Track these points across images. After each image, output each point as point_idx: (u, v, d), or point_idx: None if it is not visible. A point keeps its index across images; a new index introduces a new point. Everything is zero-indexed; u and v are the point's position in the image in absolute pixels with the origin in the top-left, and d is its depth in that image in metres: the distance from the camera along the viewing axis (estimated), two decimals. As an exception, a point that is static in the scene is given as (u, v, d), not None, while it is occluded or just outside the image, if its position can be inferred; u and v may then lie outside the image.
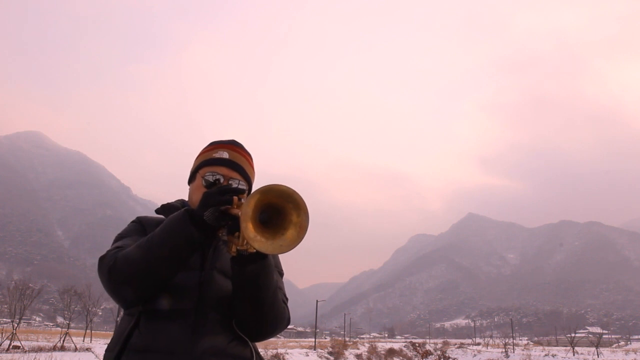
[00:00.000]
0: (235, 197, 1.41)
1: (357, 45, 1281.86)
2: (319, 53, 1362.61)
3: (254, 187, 1.78)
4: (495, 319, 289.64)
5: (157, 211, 1.74)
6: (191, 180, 1.77)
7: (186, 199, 1.79)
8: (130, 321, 1.53)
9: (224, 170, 1.69)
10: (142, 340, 1.48)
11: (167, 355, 1.45)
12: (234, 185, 1.68)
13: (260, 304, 1.52)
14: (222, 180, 1.68)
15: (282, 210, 1.31)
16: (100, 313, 43.25)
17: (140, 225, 1.69)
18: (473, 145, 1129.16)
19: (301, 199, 1.30)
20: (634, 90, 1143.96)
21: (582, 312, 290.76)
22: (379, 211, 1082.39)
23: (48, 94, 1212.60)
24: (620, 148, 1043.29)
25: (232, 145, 1.76)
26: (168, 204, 1.76)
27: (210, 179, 1.68)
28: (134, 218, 1.76)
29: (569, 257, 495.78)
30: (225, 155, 1.72)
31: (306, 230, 1.30)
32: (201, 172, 1.71)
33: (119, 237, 1.64)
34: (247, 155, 1.78)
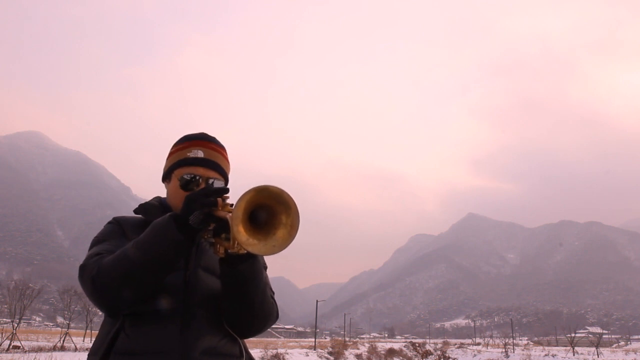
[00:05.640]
0: (220, 199, 1.39)
1: (351, 48, 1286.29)
2: (315, 57, 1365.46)
3: (230, 178, 1.75)
4: (495, 319, 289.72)
5: (136, 211, 1.69)
6: (166, 179, 1.73)
7: (163, 195, 1.76)
8: (115, 324, 1.49)
9: (200, 171, 1.65)
10: (129, 343, 1.45)
11: (156, 357, 1.43)
12: (213, 183, 1.66)
13: (251, 302, 1.52)
14: (199, 179, 1.65)
15: (272, 211, 1.30)
16: (100, 313, 42.94)
17: (118, 226, 1.64)
18: (470, 146, 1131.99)
19: (291, 199, 1.28)
20: (621, 93, 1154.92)
21: (582, 312, 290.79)
22: (379, 211, 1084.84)
23: (48, 95, 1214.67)
24: (611, 149, 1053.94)
25: (206, 142, 1.70)
26: (147, 203, 1.72)
27: (187, 179, 1.64)
28: None
29: (569, 257, 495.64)
30: (200, 154, 1.66)
31: (297, 229, 1.28)
32: (176, 172, 1.67)
33: (97, 241, 1.59)
34: (221, 150, 1.73)
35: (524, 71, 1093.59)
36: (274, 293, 1.66)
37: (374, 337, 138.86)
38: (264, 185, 1.25)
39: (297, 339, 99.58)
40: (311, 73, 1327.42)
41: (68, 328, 31.44)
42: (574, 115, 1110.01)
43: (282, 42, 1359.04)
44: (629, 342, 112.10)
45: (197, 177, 1.64)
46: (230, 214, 1.28)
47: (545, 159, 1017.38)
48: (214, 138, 1.73)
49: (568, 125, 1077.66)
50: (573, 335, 56.42)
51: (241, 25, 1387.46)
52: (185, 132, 1.73)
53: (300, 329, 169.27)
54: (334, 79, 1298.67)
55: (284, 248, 1.28)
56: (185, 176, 1.64)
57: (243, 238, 1.24)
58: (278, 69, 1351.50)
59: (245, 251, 1.32)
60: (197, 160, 1.65)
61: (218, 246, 1.43)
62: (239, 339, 1.59)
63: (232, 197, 1.37)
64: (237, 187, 1.39)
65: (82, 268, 1.47)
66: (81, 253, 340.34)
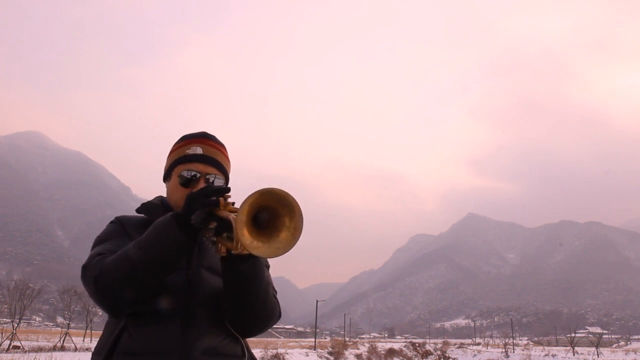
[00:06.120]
0: (222, 199, 1.39)
1: (351, 48, 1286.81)
2: (315, 57, 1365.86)
3: (230, 178, 1.77)
4: (495, 319, 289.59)
5: (138, 210, 1.70)
6: (166, 178, 1.74)
7: (164, 195, 1.76)
8: (118, 323, 1.50)
9: (199, 167, 1.66)
10: (131, 342, 1.45)
11: (156, 357, 1.43)
12: (211, 180, 1.67)
13: (253, 302, 1.51)
14: (198, 176, 1.65)
15: (275, 213, 1.30)
16: (100, 313, 43.19)
17: (120, 225, 1.64)
18: (470, 146, 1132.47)
19: (295, 201, 1.28)
20: (621, 93, 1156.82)
21: (582, 312, 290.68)
22: (379, 211, 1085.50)
23: (48, 95, 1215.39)
24: (611, 149, 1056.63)
25: (205, 139, 1.72)
26: (149, 202, 1.73)
27: (187, 175, 1.65)
28: None
29: (569, 257, 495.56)
30: (199, 150, 1.68)
31: (301, 231, 1.29)
32: (176, 170, 1.68)
33: (99, 241, 1.59)
34: (220, 147, 1.74)
35: (524, 71, 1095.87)
36: (276, 292, 1.66)
37: (374, 337, 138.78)
38: (268, 188, 1.25)
39: (297, 339, 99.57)
40: (311, 73, 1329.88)
41: (68, 328, 31.42)
42: (573, 115, 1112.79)
43: (282, 42, 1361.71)
44: (629, 342, 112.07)
45: (197, 174, 1.65)
46: (233, 214, 1.30)
47: (545, 159, 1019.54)
48: (213, 136, 1.75)
49: (568, 125, 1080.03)
50: (573, 335, 56.36)
51: (241, 25, 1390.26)
52: (185, 132, 1.76)
53: (300, 329, 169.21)
54: (334, 79, 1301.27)
55: (288, 250, 1.29)
56: (184, 173, 1.65)
57: (247, 241, 1.25)
58: (278, 69, 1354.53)
59: (248, 252, 1.33)
60: (195, 156, 1.67)
61: (220, 245, 1.44)
62: (241, 338, 1.59)
63: (234, 197, 1.41)
64: (238, 187, 1.42)
65: (85, 268, 1.48)
66: (81, 253, 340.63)
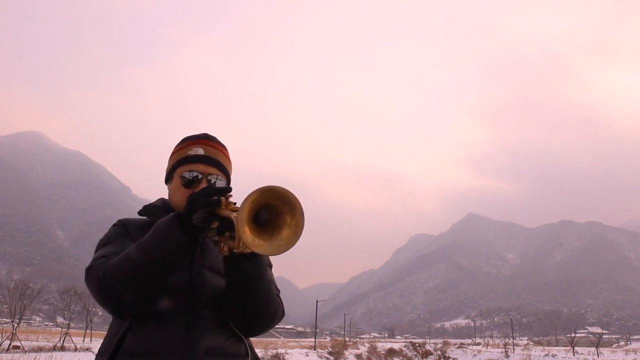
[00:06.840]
0: (223, 198, 1.39)
1: (351, 48, 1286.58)
2: (315, 57, 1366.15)
3: (231, 178, 1.77)
4: (495, 319, 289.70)
5: (140, 212, 1.70)
6: (168, 179, 1.74)
7: (165, 196, 1.77)
8: (122, 324, 1.50)
9: (200, 167, 1.66)
10: (135, 343, 1.46)
11: (157, 357, 1.44)
12: (213, 181, 1.67)
13: (256, 301, 1.51)
14: (200, 177, 1.66)
15: (277, 211, 1.30)
16: (100, 313, 43.18)
17: (124, 228, 1.65)
18: (470, 146, 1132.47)
19: (296, 199, 1.28)
20: (620, 93, 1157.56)
21: (582, 312, 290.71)
22: (379, 211, 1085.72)
23: (48, 95, 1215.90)
24: (611, 149, 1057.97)
25: (206, 140, 1.73)
26: (151, 204, 1.73)
27: (188, 176, 1.65)
28: None
29: (569, 257, 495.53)
30: (200, 151, 1.68)
31: (302, 229, 1.29)
32: (178, 171, 1.69)
33: (102, 244, 1.60)
34: (222, 148, 1.75)
35: (523, 71, 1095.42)
36: (279, 291, 1.66)
37: (374, 337, 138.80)
38: (269, 186, 1.25)
39: (297, 339, 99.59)
40: (311, 73, 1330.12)
41: (68, 328, 31.37)
42: (573, 115, 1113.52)
43: (282, 42, 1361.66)
44: (629, 342, 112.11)
45: (198, 175, 1.66)
46: (234, 214, 1.29)
47: (545, 159, 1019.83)
48: (214, 137, 1.76)
49: (568, 125, 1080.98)
50: (573, 335, 56.37)
51: (241, 25, 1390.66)
52: (185, 132, 1.67)
53: (300, 329, 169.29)
54: (334, 79, 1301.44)
55: (290, 248, 1.29)
56: (185, 174, 1.66)
57: (249, 239, 1.25)
58: (278, 69, 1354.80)
59: (250, 251, 1.32)
60: (197, 157, 1.67)
61: (222, 244, 1.45)
62: (244, 338, 1.59)
63: (234, 197, 1.42)
64: (238, 187, 1.40)
65: (89, 270, 1.49)
66: (81, 253, 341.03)
